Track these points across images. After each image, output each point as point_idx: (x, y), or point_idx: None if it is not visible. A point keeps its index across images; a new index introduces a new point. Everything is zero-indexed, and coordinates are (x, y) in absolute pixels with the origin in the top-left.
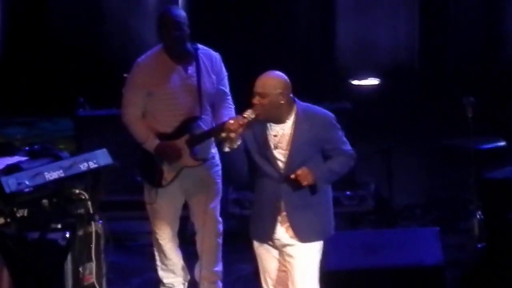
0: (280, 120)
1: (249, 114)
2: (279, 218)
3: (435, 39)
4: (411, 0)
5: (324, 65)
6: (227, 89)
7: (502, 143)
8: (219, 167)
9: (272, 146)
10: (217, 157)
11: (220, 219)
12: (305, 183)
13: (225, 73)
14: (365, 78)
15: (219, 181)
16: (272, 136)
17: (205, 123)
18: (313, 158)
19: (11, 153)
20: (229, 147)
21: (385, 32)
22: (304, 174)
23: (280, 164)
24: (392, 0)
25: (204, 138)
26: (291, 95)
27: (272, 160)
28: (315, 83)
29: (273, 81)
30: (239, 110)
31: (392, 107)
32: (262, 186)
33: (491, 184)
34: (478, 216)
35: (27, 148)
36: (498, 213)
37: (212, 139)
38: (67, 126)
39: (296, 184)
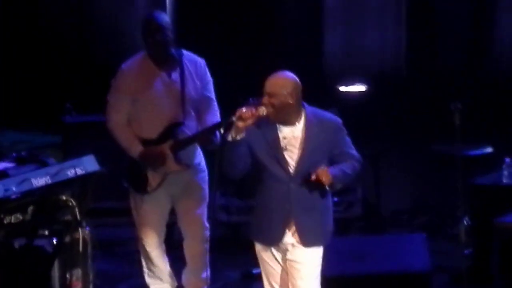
0: (289, 122)
1: (262, 109)
2: (288, 222)
3: (423, 46)
4: (398, 7)
5: (311, 71)
6: (212, 95)
7: (489, 149)
8: (205, 173)
9: (283, 148)
10: (203, 163)
11: (207, 225)
12: (327, 182)
13: (209, 78)
14: (353, 84)
15: (206, 187)
16: (282, 138)
17: (189, 129)
18: (321, 162)
19: None
20: (233, 138)
21: (373, 38)
22: (325, 173)
23: (290, 166)
24: (379, 6)
25: (188, 143)
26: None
27: (281, 161)
28: (303, 89)
29: (283, 81)
30: (225, 115)
31: (379, 113)
32: (269, 189)
33: (478, 190)
34: (465, 222)
35: (14, 154)
36: (485, 219)
37: (197, 145)
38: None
39: (312, 185)
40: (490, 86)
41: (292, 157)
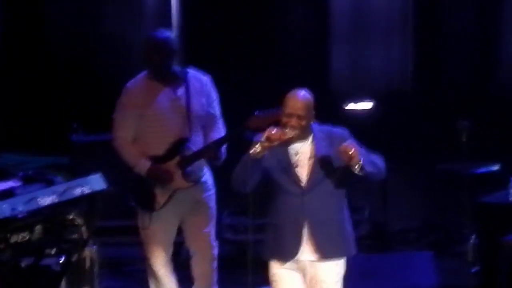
0: (303, 139)
1: (289, 132)
2: (302, 235)
3: (429, 63)
4: (404, 25)
5: (318, 89)
6: (218, 112)
7: (496, 167)
8: (213, 191)
9: (293, 164)
10: (210, 181)
11: (215, 243)
12: (355, 159)
13: (215, 95)
14: (359, 102)
15: (213, 205)
16: (293, 154)
17: (196, 145)
18: (334, 174)
19: (5, 179)
20: (254, 155)
21: (379, 56)
22: (356, 150)
23: (302, 181)
24: (385, 24)
25: (195, 159)
26: None
27: (294, 177)
28: None
29: (308, 102)
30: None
31: (386, 131)
32: (282, 205)
33: (486, 208)
34: (472, 240)
35: (21, 173)
36: (492, 237)
37: (204, 161)
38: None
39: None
40: (497, 103)
41: (303, 172)
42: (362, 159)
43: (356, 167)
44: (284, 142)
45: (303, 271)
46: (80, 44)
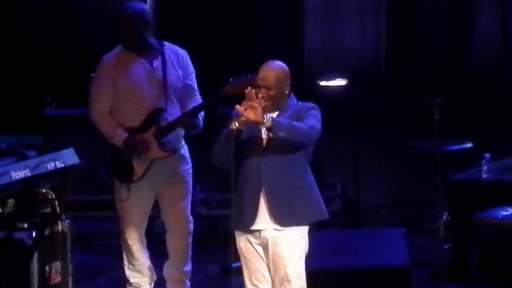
0: (279, 109)
1: (261, 102)
2: (259, 203)
3: (402, 41)
4: (378, 2)
5: (291, 66)
6: (195, 85)
7: (469, 145)
8: (190, 166)
9: (258, 133)
10: (187, 155)
11: (191, 218)
12: (250, 114)
13: (192, 69)
14: (333, 79)
15: (190, 179)
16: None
17: (172, 116)
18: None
19: None
20: (236, 127)
21: (353, 33)
22: (254, 110)
23: (260, 149)
24: (359, 2)
25: (171, 128)
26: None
27: (255, 144)
28: None
29: (278, 73)
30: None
31: (359, 108)
32: (243, 175)
33: (458, 186)
34: (444, 217)
35: None
36: (464, 214)
37: (182, 133)
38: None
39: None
40: (469, 81)
41: (263, 141)
42: (271, 121)
43: (263, 126)
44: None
45: (265, 246)
46: (53, 17)
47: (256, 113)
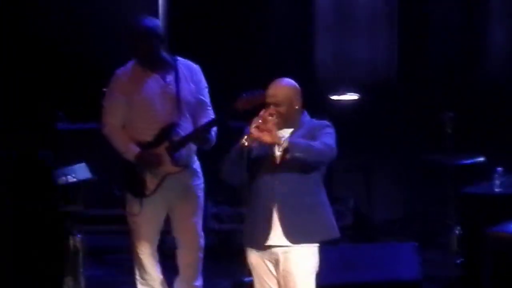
0: (292, 125)
1: (271, 119)
2: (272, 220)
3: (414, 54)
4: (390, 16)
5: (303, 81)
6: (208, 100)
7: (481, 159)
8: (202, 181)
9: (271, 150)
10: (200, 170)
11: (202, 233)
12: (266, 137)
13: (205, 84)
14: (344, 93)
15: (201, 195)
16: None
17: (185, 131)
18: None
19: None
20: (245, 144)
21: (364, 47)
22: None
23: (275, 166)
24: (371, 14)
25: (184, 143)
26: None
27: (268, 161)
28: None
29: (288, 90)
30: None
31: (371, 122)
32: (256, 191)
33: (470, 199)
34: (456, 231)
35: None
36: (476, 228)
37: (194, 148)
38: None
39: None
40: (481, 95)
41: (277, 158)
42: (287, 142)
43: (278, 147)
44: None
45: (276, 262)
46: (65, 32)
47: (272, 136)
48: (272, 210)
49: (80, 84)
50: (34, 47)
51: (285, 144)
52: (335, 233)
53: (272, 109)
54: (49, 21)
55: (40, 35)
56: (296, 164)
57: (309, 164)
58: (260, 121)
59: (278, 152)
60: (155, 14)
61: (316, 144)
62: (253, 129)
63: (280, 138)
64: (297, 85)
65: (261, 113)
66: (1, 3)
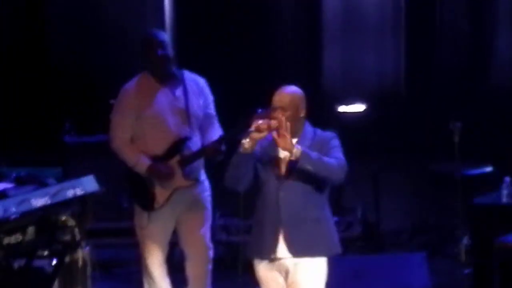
0: (295, 134)
1: (274, 122)
2: (279, 232)
3: (421, 64)
4: (397, 26)
5: (310, 91)
6: (214, 112)
7: (489, 169)
8: (209, 193)
9: (276, 160)
10: (207, 182)
11: (210, 245)
12: (281, 142)
13: (211, 97)
14: (352, 104)
15: (209, 206)
16: (279, 150)
17: (195, 145)
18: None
19: None
20: (245, 150)
21: (371, 58)
22: (285, 138)
23: (280, 177)
24: (378, 26)
25: (195, 158)
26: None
27: (273, 171)
28: None
29: (294, 95)
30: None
31: (378, 132)
32: (262, 203)
33: (478, 210)
34: (465, 241)
35: (14, 174)
36: (485, 238)
37: (203, 161)
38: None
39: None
40: (489, 105)
41: (282, 169)
42: (300, 152)
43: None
44: (271, 132)
45: (285, 273)
46: (74, 45)
47: (286, 142)
48: (278, 224)
49: (88, 96)
50: (43, 61)
51: (297, 154)
52: (337, 249)
53: (279, 112)
54: (57, 34)
55: (47, 47)
56: (302, 176)
57: (316, 178)
58: (260, 122)
59: (282, 155)
60: (162, 26)
61: (329, 160)
62: (277, 138)
63: (293, 145)
64: (302, 92)
65: (279, 119)
66: (10, 17)
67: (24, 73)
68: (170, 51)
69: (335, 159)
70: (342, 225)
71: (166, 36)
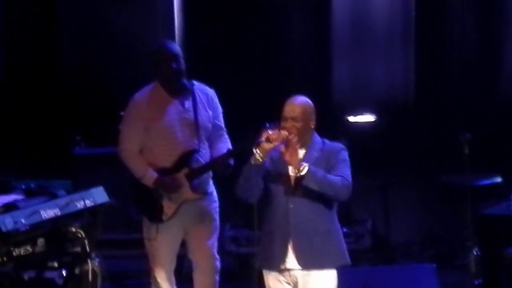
0: (304, 145)
1: (285, 133)
2: (289, 244)
3: (431, 75)
4: (406, 37)
5: (320, 102)
6: (223, 124)
7: (499, 179)
8: (217, 204)
9: (286, 171)
10: (215, 193)
11: (217, 256)
12: (287, 157)
13: (220, 109)
14: (361, 115)
15: (217, 217)
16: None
17: (203, 157)
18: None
19: (8, 192)
20: (255, 162)
21: (381, 69)
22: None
23: (289, 188)
24: (387, 36)
25: (204, 171)
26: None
27: (282, 183)
28: None
29: (304, 106)
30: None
31: (388, 143)
32: (271, 213)
33: (488, 221)
34: (475, 253)
35: (23, 186)
36: (494, 249)
37: (211, 173)
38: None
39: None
40: (498, 116)
41: (292, 180)
42: (306, 170)
43: (297, 171)
44: (281, 142)
45: (294, 284)
46: (84, 57)
47: (294, 159)
48: (287, 235)
49: (97, 108)
50: (53, 73)
51: (303, 172)
52: (347, 261)
53: (290, 123)
54: (67, 46)
55: (57, 59)
56: (310, 191)
57: (322, 194)
58: (270, 132)
59: (291, 173)
60: (172, 37)
61: (335, 179)
62: (264, 138)
63: (300, 164)
64: (312, 103)
65: (289, 139)
66: (21, 30)
67: (34, 85)
68: (183, 64)
69: (340, 177)
70: (352, 237)
71: (179, 48)
